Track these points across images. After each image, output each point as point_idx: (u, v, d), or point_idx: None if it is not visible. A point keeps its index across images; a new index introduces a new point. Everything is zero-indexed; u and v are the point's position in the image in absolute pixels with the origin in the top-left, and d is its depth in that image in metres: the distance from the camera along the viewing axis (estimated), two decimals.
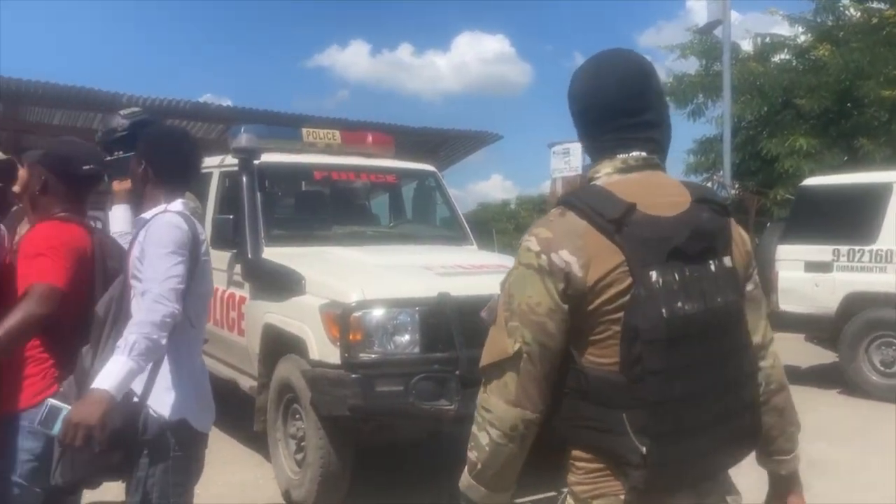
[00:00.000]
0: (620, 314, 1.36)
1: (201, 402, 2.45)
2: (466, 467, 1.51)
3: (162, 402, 2.28)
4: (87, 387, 2.16)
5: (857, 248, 7.49)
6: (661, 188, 1.49)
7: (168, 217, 2.33)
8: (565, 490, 1.47)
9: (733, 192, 13.67)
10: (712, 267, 1.42)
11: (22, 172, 2.71)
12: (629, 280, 1.36)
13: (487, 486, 1.49)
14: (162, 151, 2.49)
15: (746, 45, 16.43)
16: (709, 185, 14.12)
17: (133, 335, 2.10)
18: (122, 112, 3.35)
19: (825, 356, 8.45)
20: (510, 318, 1.42)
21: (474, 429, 1.48)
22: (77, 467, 2.22)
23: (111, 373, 2.05)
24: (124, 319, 2.27)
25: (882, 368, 7.36)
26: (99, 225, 2.97)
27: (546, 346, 1.40)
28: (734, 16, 15.72)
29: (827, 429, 5.92)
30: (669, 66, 17.39)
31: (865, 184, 7.74)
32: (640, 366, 1.34)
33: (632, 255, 1.36)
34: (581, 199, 1.43)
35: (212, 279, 2.60)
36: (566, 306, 1.39)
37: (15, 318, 2.18)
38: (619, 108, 1.51)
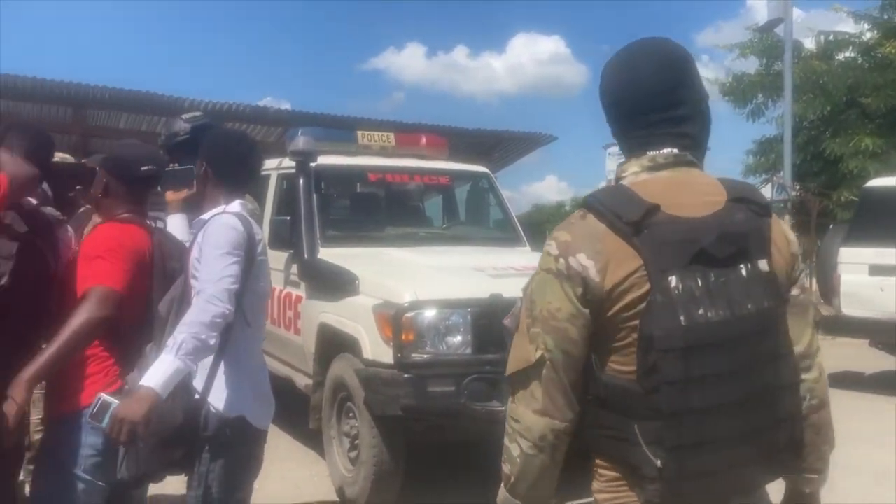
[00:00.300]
0: (638, 321, 1.31)
1: (260, 399, 2.51)
2: (502, 481, 1.47)
3: (221, 399, 2.34)
4: None
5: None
6: (694, 187, 1.41)
7: (224, 218, 2.40)
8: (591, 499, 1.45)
9: (794, 193, 13.36)
10: (743, 271, 1.33)
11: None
12: (647, 285, 1.30)
13: (524, 500, 1.44)
14: (221, 153, 2.56)
15: (809, 44, 16.06)
16: (768, 186, 13.82)
17: (182, 335, 2.15)
18: (183, 116, 3.46)
19: (890, 362, 8.20)
20: (532, 325, 1.38)
21: (506, 440, 1.43)
22: (142, 462, 2.29)
23: (157, 371, 2.11)
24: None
25: None
26: (160, 224, 3.05)
27: (569, 353, 1.36)
28: (796, 13, 15.41)
29: (889, 436, 5.74)
30: (728, 66, 17.13)
31: None
32: (655, 375, 1.28)
33: (650, 259, 1.30)
34: (601, 200, 1.38)
35: (269, 278, 2.66)
36: (587, 311, 1.34)
37: (75, 322, 2.23)
38: (650, 102, 1.43)
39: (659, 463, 1.29)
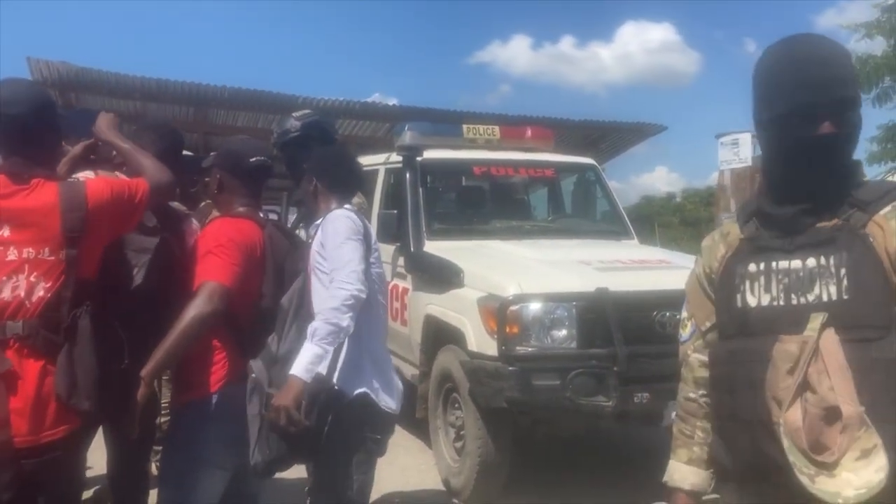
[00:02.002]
0: None
1: (382, 380, 2.62)
2: None
3: (343, 376, 2.48)
4: (275, 370, 2.45)
5: None
6: None
7: (338, 212, 2.63)
8: None
9: None
10: None
11: None
12: None
13: None
14: (328, 169, 2.82)
15: None
16: (894, 177, 12.99)
17: (316, 323, 2.38)
18: (294, 115, 3.59)
19: None
20: None
21: None
22: (273, 445, 2.43)
23: (299, 359, 2.36)
24: (306, 310, 2.52)
25: None
26: (273, 217, 3.18)
27: None
28: None
29: None
30: (853, 48, 16.19)
31: None
32: None
33: None
34: None
35: (382, 268, 2.81)
36: None
37: (187, 317, 2.37)
38: None
39: None
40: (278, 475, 2.69)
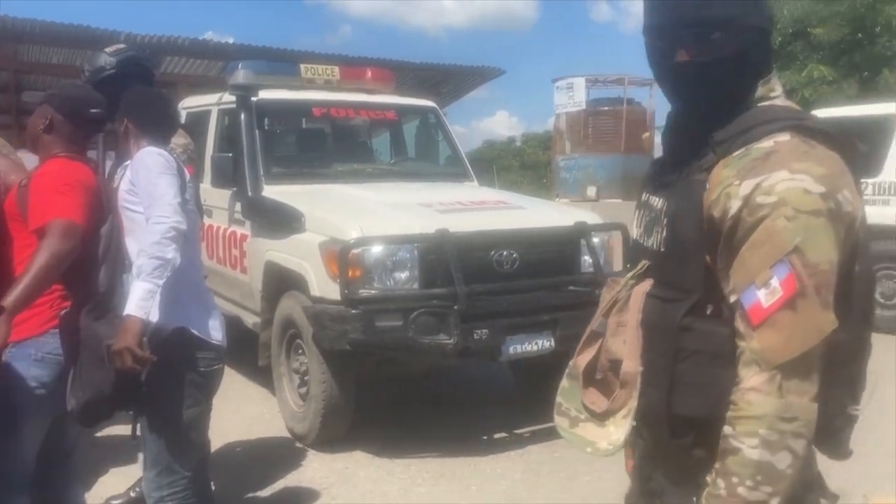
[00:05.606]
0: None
1: (204, 313, 2.57)
2: None
3: (159, 313, 2.39)
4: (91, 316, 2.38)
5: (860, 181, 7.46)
6: None
7: (146, 149, 2.51)
8: None
9: None
10: None
11: None
12: None
13: None
14: (141, 111, 2.68)
15: None
16: None
17: (140, 260, 2.31)
18: (107, 50, 3.34)
19: None
20: (820, 287, 1.12)
21: (756, 455, 1.11)
22: (86, 385, 2.35)
23: (131, 298, 2.28)
24: (114, 253, 2.47)
25: (883, 301, 7.38)
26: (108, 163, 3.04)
27: None
28: None
29: None
30: None
31: (869, 116, 7.63)
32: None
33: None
34: (829, 125, 1.21)
35: (199, 203, 2.81)
36: None
37: (42, 256, 2.27)
38: None
39: None
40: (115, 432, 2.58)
